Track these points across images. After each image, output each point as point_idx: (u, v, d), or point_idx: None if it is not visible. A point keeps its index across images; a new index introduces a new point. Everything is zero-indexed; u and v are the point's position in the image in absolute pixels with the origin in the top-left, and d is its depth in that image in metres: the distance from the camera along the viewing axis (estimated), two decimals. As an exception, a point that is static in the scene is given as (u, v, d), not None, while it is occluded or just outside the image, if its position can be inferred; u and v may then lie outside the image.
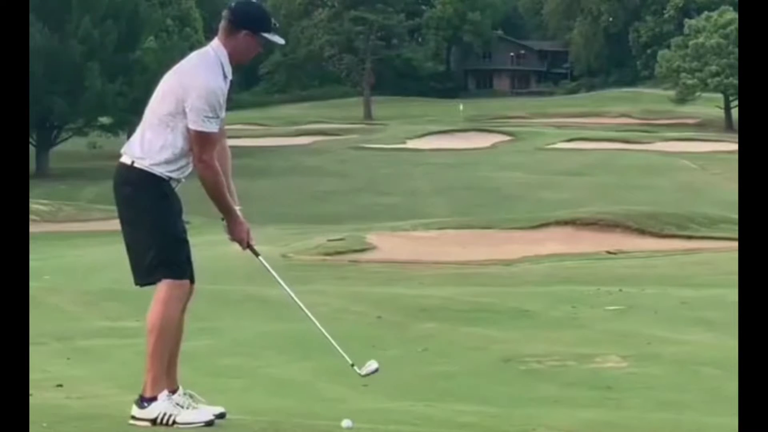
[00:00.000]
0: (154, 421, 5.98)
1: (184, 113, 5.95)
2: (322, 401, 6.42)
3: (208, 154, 5.99)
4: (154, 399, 5.99)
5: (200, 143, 5.97)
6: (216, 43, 6.09)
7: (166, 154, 5.99)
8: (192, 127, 5.94)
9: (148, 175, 5.99)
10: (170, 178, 6.03)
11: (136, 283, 6.10)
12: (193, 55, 6.13)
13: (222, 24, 6.09)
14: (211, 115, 5.95)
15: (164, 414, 5.97)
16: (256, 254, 6.37)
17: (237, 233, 6.24)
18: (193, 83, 5.94)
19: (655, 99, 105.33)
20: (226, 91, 6.08)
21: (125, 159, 6.08)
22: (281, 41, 6.14)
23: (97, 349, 12.93)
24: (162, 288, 5.96)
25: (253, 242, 6.31)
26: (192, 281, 6.12)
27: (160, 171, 5.99)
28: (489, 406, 8.53)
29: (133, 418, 6.04)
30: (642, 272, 24.42)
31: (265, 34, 6.06)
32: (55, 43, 66.95)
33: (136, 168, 6.01)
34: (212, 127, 5.97)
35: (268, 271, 6.43)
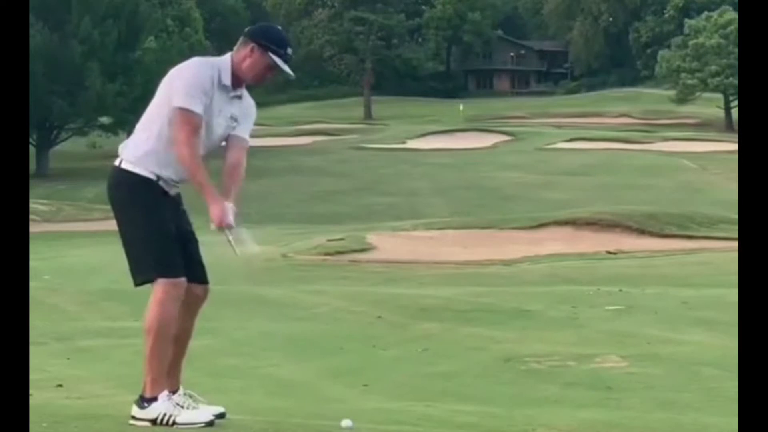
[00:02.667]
0: (154, 422, 5.98)
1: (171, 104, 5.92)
2: (322, 401, 6.41)
3: (184, 133, 5.84)
4: (154, 399, 5.99)
5: (179, 121, 5.85)
6: (226, 56, 6.09)
7: (149, 145, 5.93)
8: (174, 104, 5.86)
9: (135, 176, 5.96)
10: (159, 177, 5.97)
11: (135, 284, 6.11)
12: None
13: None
14: (194, 93, 5.85)
15: (164, 414, 5.97)
16: (233, 248, 6.03)
17: (212, 212, 5.91)
18: (180, 73, 5.95)
19: (655, 99, 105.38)
20: (218, 96, 5.97)
21: (116, 161, 6.09)
22: (290, 73, 6.05)
23: (97, 349, 12.91)
24: (157, 288, 5.94)
25: (231, 225, 5.93)
26: (205, 282, 6.12)
27: (146, 169, 5.94)
28: (489, 406, 8.52)
29: (133, 418, 6.04)
30: (642, 272, 24.40)
31: (274, 56, 5.99)
32: (55, 43, 66.96)
33: (123, 169, 6.01)
34: (194, 105, 5.85)
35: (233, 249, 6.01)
